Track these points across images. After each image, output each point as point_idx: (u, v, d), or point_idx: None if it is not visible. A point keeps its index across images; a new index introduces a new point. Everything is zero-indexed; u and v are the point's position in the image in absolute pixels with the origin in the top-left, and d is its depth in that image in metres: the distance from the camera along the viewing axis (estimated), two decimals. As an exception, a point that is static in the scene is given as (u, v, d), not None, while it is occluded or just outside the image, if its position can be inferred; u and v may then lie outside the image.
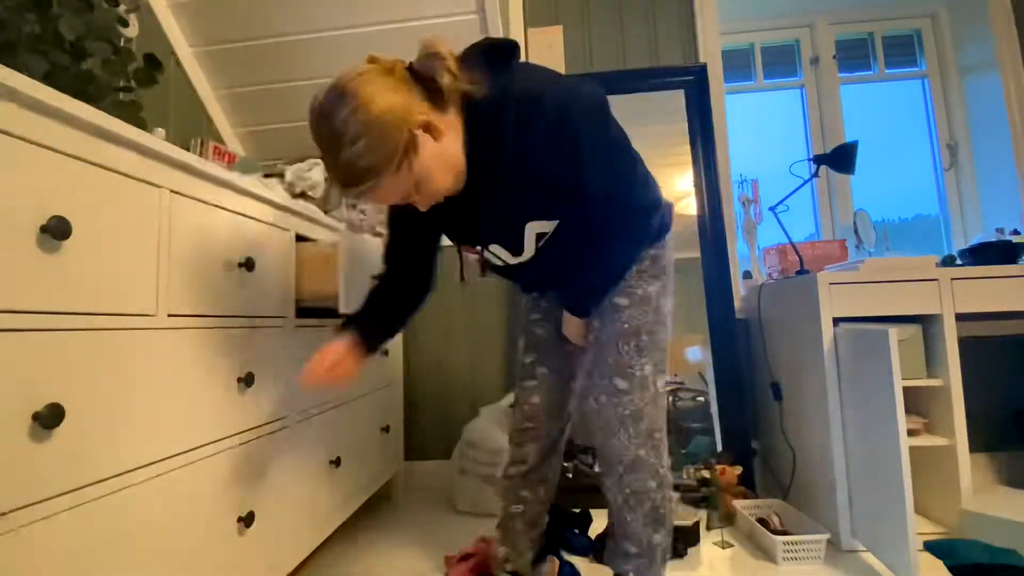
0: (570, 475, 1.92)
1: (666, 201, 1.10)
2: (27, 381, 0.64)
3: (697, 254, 2.03)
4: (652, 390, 1.04)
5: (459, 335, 2.16)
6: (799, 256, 1.75)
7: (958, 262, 1.71)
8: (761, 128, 2.43)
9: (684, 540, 1.45)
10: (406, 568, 1.42)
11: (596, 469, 1.89)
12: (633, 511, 1.03)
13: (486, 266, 1.11)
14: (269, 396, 1.13)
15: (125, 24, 1.09)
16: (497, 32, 1.65)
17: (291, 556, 1.19)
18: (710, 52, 2.14)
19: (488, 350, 2.14)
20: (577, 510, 1.57)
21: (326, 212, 1.47)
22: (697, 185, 2.05)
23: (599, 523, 1.46)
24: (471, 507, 1.80)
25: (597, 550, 1.43)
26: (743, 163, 2.22)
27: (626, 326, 1.04)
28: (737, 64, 2.43)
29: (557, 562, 1.29)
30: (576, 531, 1.50)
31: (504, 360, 2.12)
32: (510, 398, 2.02)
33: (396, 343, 1.95)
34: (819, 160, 1.84)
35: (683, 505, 1.54)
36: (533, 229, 0.98)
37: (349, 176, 0.78)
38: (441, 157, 0.83)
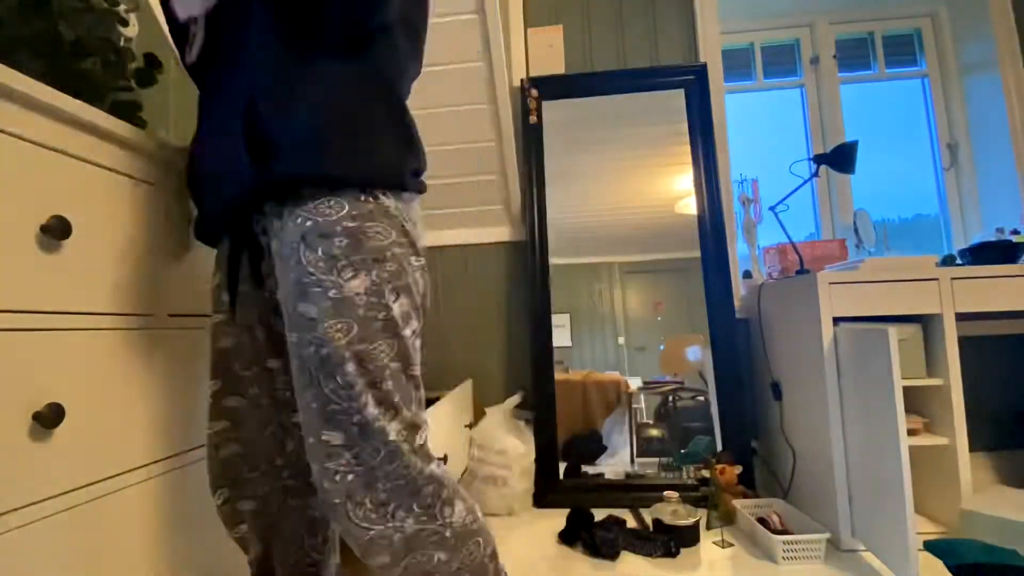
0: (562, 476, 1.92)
1: (420, 169, 0.78)
2: (27, 380, 0.64)
3: (697, 254, 2.03)
4: (385, 440, 0.67)
5: (460, 335, 2.16)
6: (799, 256, 1.75)
7: (958, 262, 1.71)
8: (761, 128, 2.43)
9: (683, 540, 1.46)
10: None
11: (605, 472, 1.89)
12: None
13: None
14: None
15: (125, 24, 1.09)
16: (497, 32, 1.65)
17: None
18: (710, 52, 2.14)
19: (489, 349, 2.14)
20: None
21: None
22: (697, 185, 2.05)
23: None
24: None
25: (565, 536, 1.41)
26: (743, 163, 2.22)
27: (324, 351, 0.66)
28: (737, 64, 2.43)
29: None
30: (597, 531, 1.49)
31: (506, 360, 2.12)
32: (515, 399, 2.02)
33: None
34: (819, 160, 1.84)
35: (683, 504, 1.54)
36: None
37: None
38: None
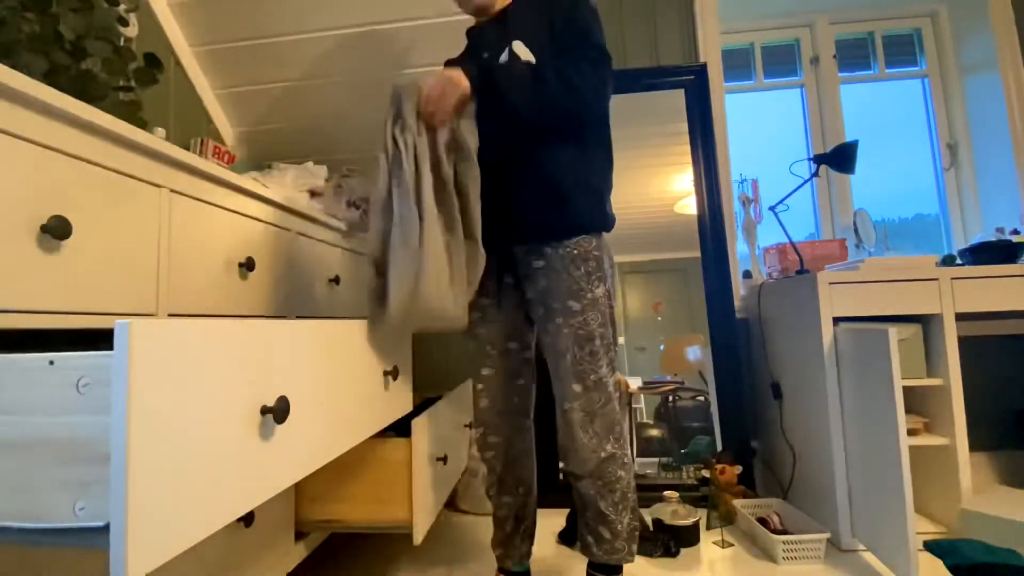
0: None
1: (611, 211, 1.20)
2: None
3: (697, 254, 2.03)
4: (609, 390, 1.11)
5: (459, 335, 2.15)
6: (799, 256, 1.75)
7: (958, 262, 1.71)
8: (761, 128, 2.43)
9: (683, 540, 1.46)
10: (413, 570, 1.42)
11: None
12: (604, 499, 1.11)
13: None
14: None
15: (125, 24, 1.09)
16: (497, 32, 1.65)
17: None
18: (710, 52, 2.14)
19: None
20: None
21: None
22: (697, 185, 2.05)
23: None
24: (472, 507, 1.80)
25: (565, 536, 1.52)
26: (743, 163, 2.22)
27: (580, 332, 1.09)
28: (737, 64, 2.43)
29: None
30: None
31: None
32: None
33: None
34: (819, 160, 1.84)
35: (683, 504, 1.54)
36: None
37: None
38: None
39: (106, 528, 0.43)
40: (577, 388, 1.10)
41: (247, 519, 1.01)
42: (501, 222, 1.13)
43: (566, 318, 1.09)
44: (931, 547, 1.34)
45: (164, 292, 0.86)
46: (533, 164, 1.12)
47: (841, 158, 1.79)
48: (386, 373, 1.01)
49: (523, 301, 1.20)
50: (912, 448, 1.29)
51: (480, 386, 1.24)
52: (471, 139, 1.05)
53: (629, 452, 1.14)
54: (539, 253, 1.13)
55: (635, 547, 1.14)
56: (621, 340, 2.15)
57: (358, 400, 0.88)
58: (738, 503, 1.60)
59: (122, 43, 1.07)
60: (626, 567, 1.15)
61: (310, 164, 1.56)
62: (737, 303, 2.01)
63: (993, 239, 1.69)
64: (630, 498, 1.13)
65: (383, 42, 1.69)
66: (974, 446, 1.47)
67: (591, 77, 1.07)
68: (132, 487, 0.43)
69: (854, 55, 2.41)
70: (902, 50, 2.41)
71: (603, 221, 1.16)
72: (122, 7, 1.09)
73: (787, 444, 1.71)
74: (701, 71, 2.10)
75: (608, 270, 1.15)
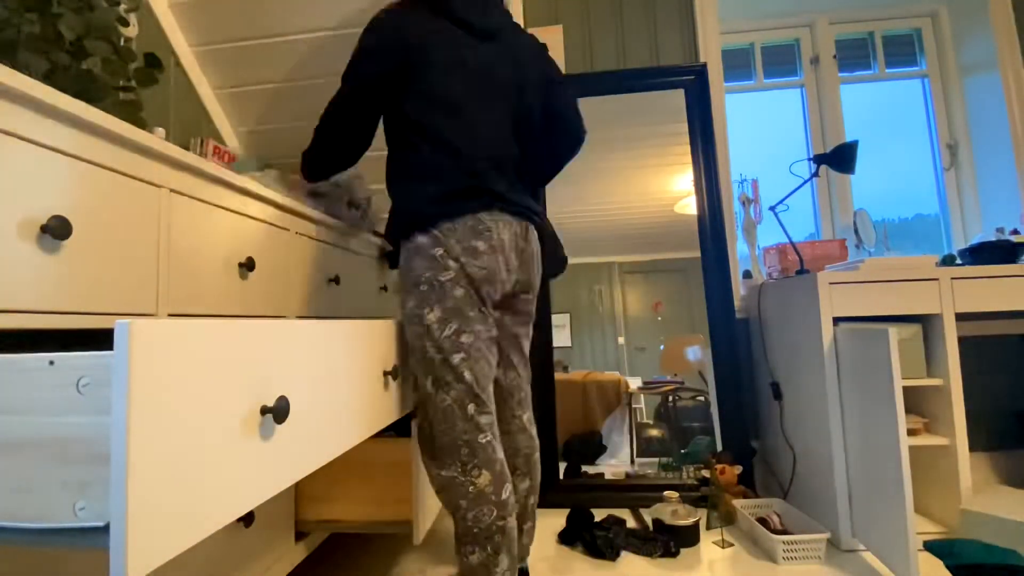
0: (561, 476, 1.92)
1: (441, 198, 1.07)
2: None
3: (697, 254, 2.03)
4: (439, 407, 1.03)
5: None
6: (799, 256, 1.75)
7: (958, 262, 1.71)
8: (761, 128, 2.43)
9: (683, 540, 1.46)
10: (413, 570, 1.42)
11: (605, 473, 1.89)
12: (455, 528, 1.02)
13: None
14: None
15: (125, 23, 1.09)
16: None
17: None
18: (710, 52, 2.14)
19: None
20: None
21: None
22: (697, 185, 2.05)
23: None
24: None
25: (565, 536, 1.47)
26: (743, 163, 2.22)
27: (409, 345, 1.07)
28: (737, 64, 2.43)
29: None
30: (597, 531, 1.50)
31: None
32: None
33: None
34: (819, 160, 1.84)
35: (683, 504, 1.54)
36: None
37: None
38: None
39: (106, 528, 0.43)
40: (416, 401, 1.07)
41: (247, 519, 1.01)
42: None
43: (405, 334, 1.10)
44: (931, 547, 1.34)
45: (164, 292, 0.86)
46: None
47: (841, 158, 1.79)
48: (386, 373, 1.01)
49: None
50: (912, 448, 1.29)
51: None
52: None
53: (480, 479, 1.00)
54: None
55: None
56: (621, 340, 2.15)
57: (358, 400, 0.88)
58: (738, 503, 1.60)
59: (122, 43, 1.07)
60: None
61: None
62: (737, 303, 2.01)
63: (993, 239, 1.69)
64: (474, 530, 0.98)
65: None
66: (974, 446, 1.47)
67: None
68: (132, 487, 0.43)
69: (854, 55, 2.41)
70: (902, 50, 2.41)
71: (400, 225, 1.11)
72: (122, 7, 1.09)
73: (787, 444, 1.71)
74: (701, 71, 2.10)
75: (421, 277, 1.04)
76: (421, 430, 1.06)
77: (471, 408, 1.02)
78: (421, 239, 1.05)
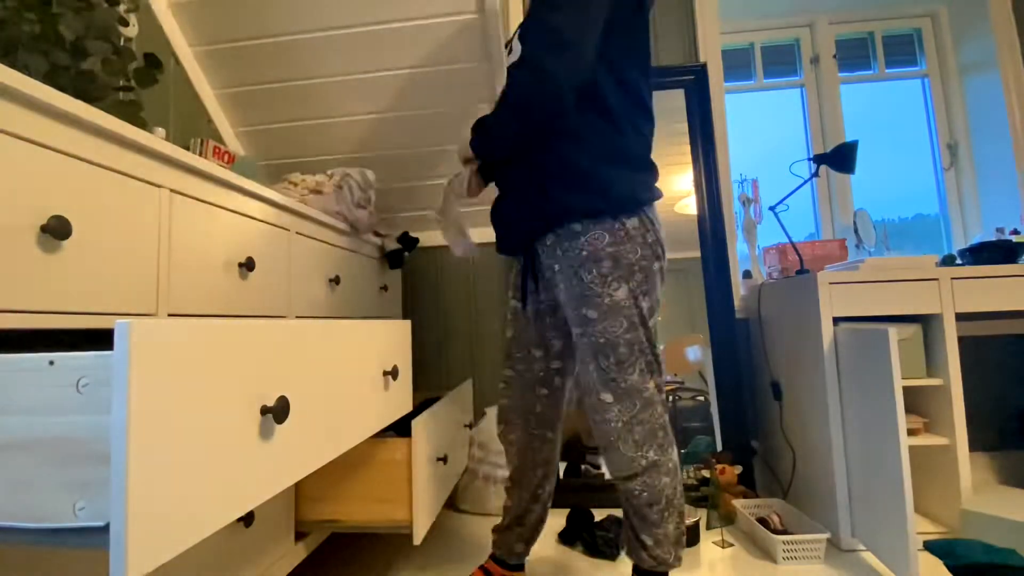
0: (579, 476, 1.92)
1: (651, 187, 1.09)
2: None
3: (697, 254, 2.03)
4: (643, 396, 1.04)
5: (460, 334, 2.16)
6: (799, 256, 1.75)
7: (958, 262, 1.71)
8: (761, 128, 2.43)
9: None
10: (413, 570, 1.42)
11: (606, 473, 1.90)
12: (649, 507, 1.07)
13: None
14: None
15: (125, 24, 1.09)
16: (498, 33, 1.65)
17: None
18: (710, 52, 2.14)
19: (489, 349, 2.14)
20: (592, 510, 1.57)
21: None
22: (697, 185, 2.05)
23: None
24: (472, 507, 1.80)
25: (565, 536, 1.52)
26: (743, 163, 2.22)
27: (601, 340, 1.03)
28: (737, 64, 2.43)
29: None
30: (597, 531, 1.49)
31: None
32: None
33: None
34: (819, 160, 1.84)
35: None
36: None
37: None
38: None
39: (106, 528, 0.43)
40: (607, 398, 1.05)
41: (247, 519, 1.01)
42: (507, 225, 1.18)
43: (585, 327, 1.04)
44: (931, 547, 1.34)
45: (164, 292, 0.86)
46: (522, 161, 1.10)
47: (841, 158, 1.79)
48: (386, 373, 1.01)
49: (548, 307, 1.18)
50: (912, 448, 1.29)
51: (502, 385, 1.25)
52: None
53: (675, 456, 1.09)
54: (552, 255, 1.08)
55: (681, 552, 1.10)
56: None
57: (358, 400, 0.88)
58: (738, 503, 1.60)
59: (122, 43, 1.07)
60: (627, 567, 1.15)
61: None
62: (737, 303, 2.01)
63: (993, 239, 1.69)
64: (675, 504, 1.08)
65: (384, 42, 1.69)
66: (974, 446, 1.47)
67: (514, 88, 1.00)
68: (132, 487, 0.43)
69: (854, 55, 2.41)
70: (902, 50, 2.41)
71: (609, 205, 1.02)
72: (122, 7, 1.09)
73: (787, 444, 1.71)
74: (701, 71, 2.10)
75: (637, 263, 1.03)
76: (612, 424, 1.05)
77: (662, 396, 1.09)
78: (639, 223, 1.04)
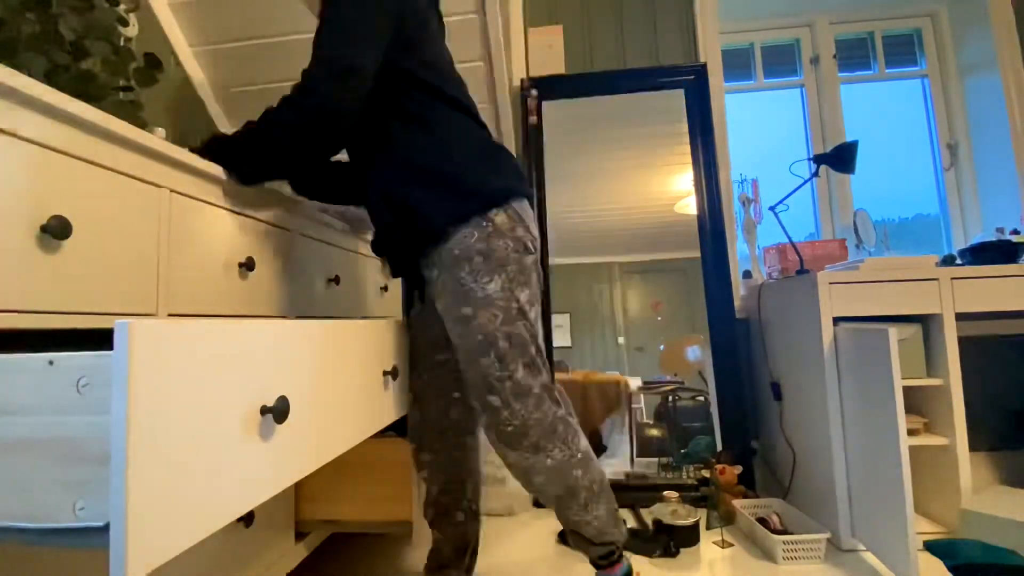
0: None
1: (506, 182, 1.05)
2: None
3: (697, 254, 2.03)
4: (535, 391, 0.99)
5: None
6: (799, 256, 1.75)
7: (958, 262, 1.71)
8: (761, 128, 2.43)
9: (683, 540, 1.46)
10: (413, 570, 1.42)
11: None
12: (570, 507, 1.04)
13: None
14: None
15: (125, 23, 1.09)
16: (497, 32, 1.65)
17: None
18: (710, 52, 2.14)
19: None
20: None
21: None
22: (697, 185, 2.05)
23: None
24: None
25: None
26: (743, 163, 2.22)
27: (479, 338, 0.98)
28: (737, 64, 2.43)
29: None
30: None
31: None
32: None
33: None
34: (819, 160, 1.84)
35: (683, 504, 1.54)
36: None
37: None
38: None
39: (106, 528, 0.43)
40: (495, 401, 0.98)
41: (247, 519, 1.01)
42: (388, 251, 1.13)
43: (464, 328, 0.99)
44: (931, 547, 1.34)
45: (164, 292, 0.86)
46: (367, 178, 1.09)
47: (841, 158, 1.79)
48: (386, 373, 1.01)
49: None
50: (912, 448, 1.29)
51: (411, 395, 1.16)
52: None
53: (582, 445, 1.04)
54: (427, 264, 1.04)
55: (622, 525, 1.09)
56: (621, 340, 2.15)
57: (358, 400, 0.88)
58: (738, 503, 1.60)
59: (122, 43, 1.07)
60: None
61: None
62: (737, 303, 2.01)
63: (993, 239, 1.69)
64: (596, 488, 1.04)
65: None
66: (974, 446, 1.47)
67: (313, 66, 0.98)
68: (132, 487, 0.43)
69: (854, 55, 2.41)
70: (902, 50, 2.41)
71: (467, 206, 1.00)
72: (122, 7, 1.09)
73: (787, 444, 1.71)
74: (701, 71, 2.10)
75: (508, 256, 0.99)
76: (502, 427, 0.99)
77: (553, 390, 1.03)
78: (509, 217, 1.01)
